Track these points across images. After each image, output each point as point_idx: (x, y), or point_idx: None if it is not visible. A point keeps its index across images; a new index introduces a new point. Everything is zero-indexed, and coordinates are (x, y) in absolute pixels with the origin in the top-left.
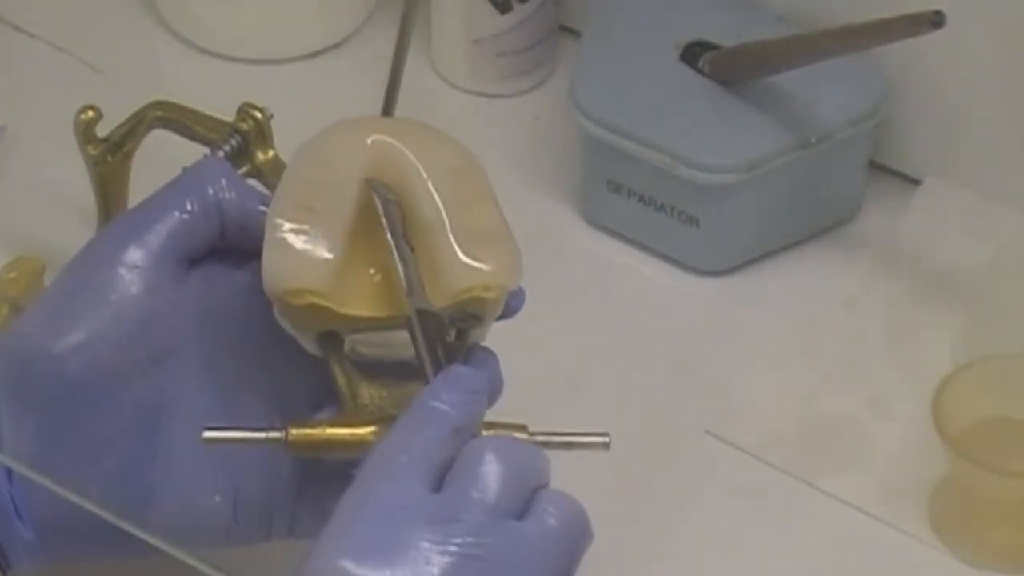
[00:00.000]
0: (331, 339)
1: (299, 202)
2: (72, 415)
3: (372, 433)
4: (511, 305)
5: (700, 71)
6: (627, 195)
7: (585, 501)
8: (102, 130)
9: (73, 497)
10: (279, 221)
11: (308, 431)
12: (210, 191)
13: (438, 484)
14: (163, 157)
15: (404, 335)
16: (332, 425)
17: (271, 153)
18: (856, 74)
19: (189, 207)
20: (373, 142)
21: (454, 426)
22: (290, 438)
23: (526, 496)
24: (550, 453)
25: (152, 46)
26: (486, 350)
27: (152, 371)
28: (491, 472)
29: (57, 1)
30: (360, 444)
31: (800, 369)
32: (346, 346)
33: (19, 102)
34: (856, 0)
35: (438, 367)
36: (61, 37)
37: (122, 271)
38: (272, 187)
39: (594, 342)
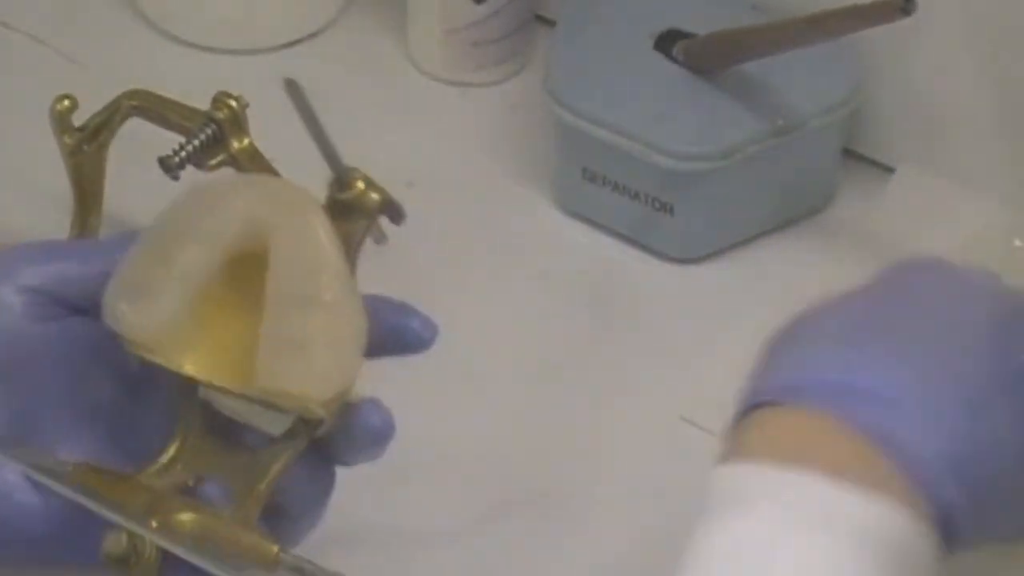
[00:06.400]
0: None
1: (157, 254)
2: None
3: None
4: (369, 423)
5: (674, 59)
6: (601, 183)
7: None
8: (78, 119)
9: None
10: (128, 269)
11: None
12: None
13: None
14: (139, 146)
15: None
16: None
17: (246, 141)
18: (829, 62)
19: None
20: (246, 208)
21: None
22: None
23: None
24: None
25: (129, 36)
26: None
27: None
28: None
29: None
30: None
31: None
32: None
33: None
34: None
35: None
36: (38, 28)
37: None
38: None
39: (568, 330)
